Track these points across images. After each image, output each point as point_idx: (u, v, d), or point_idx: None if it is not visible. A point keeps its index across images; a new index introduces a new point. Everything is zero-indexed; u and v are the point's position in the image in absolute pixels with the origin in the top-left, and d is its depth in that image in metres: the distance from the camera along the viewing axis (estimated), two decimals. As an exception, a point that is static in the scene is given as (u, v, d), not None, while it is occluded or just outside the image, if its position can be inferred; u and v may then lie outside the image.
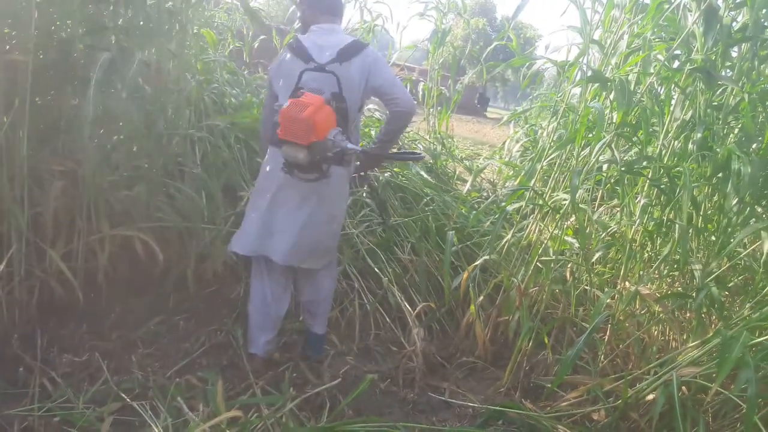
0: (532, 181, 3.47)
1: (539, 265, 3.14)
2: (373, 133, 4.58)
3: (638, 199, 3.13)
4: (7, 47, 2.48)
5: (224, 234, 3.35)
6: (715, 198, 3.01)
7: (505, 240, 3.42)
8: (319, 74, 2.59)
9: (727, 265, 2.71)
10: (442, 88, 6.28)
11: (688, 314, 2.96)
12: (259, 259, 2.80)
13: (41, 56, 2.46)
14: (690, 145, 2.94)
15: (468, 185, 4.88)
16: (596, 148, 2.91)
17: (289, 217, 2.68)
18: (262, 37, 5.48)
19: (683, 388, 2.50)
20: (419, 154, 3.40)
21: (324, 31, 2.75)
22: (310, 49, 2.65)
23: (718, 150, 2.79)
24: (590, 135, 3.15)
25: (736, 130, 3.00)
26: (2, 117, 2.44)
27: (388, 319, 3.44)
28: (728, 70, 2.93)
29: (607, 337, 3.03)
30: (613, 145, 3.01)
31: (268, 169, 2.72)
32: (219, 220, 3.43)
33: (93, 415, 2.29)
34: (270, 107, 2.79)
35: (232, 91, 4.16)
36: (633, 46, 3.22)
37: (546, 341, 3.04)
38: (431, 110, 6.39)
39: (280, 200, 2.67)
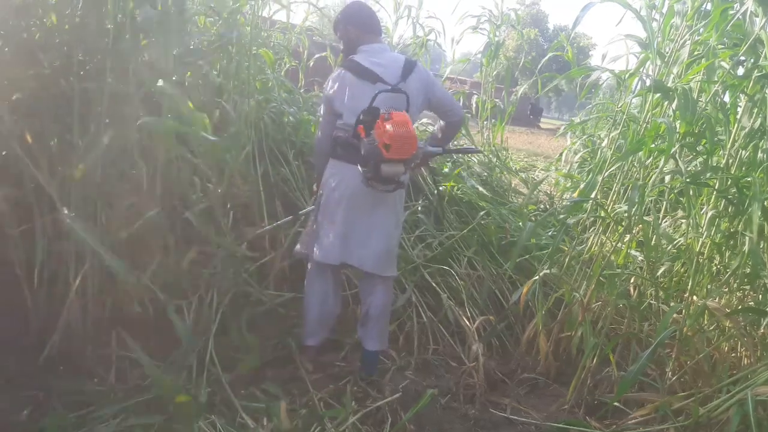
0: (593, 193, 3.41)
1: (602, 279, 3.08)
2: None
3: (704, 210, 3.04)
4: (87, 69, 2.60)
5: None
6: (788, 208, 2.90)
7: (565, 253, 3.37)
8: (392, 94, 2.74)
9: (803, 278, 2.61)
10: (496, 100, 6.25)
11: (761, 330, 2.84)
12: (324, 264, 2.96)
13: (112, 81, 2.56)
14: (759, 154, 2.85)
15: (527, 196, 4.83)
16: (663, 160, 2.85)
17: (367, 225, 2.86)
18: (317, 55, 5.57)
19: (759, 407, 2.40)
20: (476, 147, 3.60)
21: (376, 51, 2.91)
22: (375, 70, 2.79)
23: (790, 158, 2.69)
24: (653, 145, 3.09)
25: (809, 138, 2.89)
26: (78, 141, 2.55)
27: (446, 334, 3.43)
28: (798, 76, 2.83)
29: (674, 354, 2.94)
30: (677, 156, 2.95)
31: (336, 182, 2.85)
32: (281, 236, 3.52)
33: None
34: (330, 125, 2.91)
35: (289, 110, 4.23)
36: (695, 54, 3.15)
37: (611, 357, 2.97)
38: (485, 123, 6.36)
39: (355, 210, 2.84)
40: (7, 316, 2.61)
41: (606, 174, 3.41)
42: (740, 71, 3.02)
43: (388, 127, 2.53)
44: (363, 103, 2.72)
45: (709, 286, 3.06)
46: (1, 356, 2.52)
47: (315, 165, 3.16)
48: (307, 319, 3.08)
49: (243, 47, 3.57)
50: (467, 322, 3.35)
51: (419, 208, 4.07)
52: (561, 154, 6.42)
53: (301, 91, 4.96)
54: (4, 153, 2.47)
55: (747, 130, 2.88)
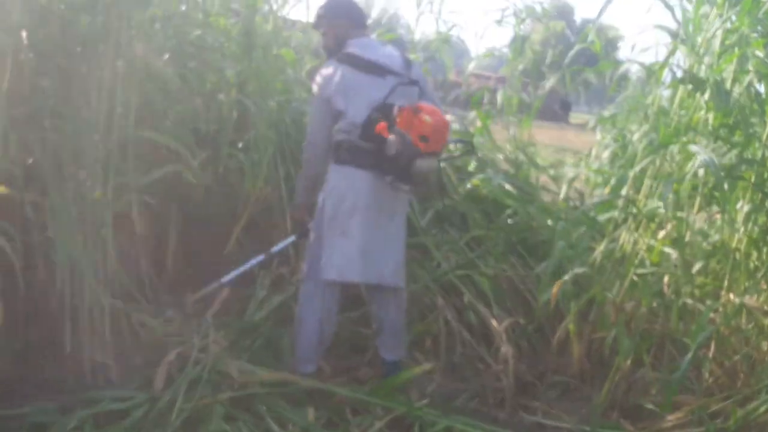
0: (624, 189, 3.32)
1: (635, 278, 2.98)
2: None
3: (740, 205, 2.94)
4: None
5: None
6: (829, 201, 2.79)
7: (596, 252, 3.27)
8: (405, 87, 2.62)
9: None
10: (524, 94, 6.14)
11: (802, 328, 2.74)
12: (320, 280, 2.74)
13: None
14: (798, 146, 2.74)
15: (561, 194, 4.72)
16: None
17: (384, 236, 2.70)
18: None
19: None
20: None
21: (370, 45, 2.76)
22: (380, 63, 2.65)
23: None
24: (685, 138, 2.99)
25: None
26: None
27: (470, 337, 3.34)
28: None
29: (711, 354, 2.84)
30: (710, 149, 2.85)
31: (344, 190, 2.65)
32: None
33: None
34: (328, 127, 2.67)
35: (310, 110, 4.19)
36: (727, 43, 3.04)
37: (645, 359, 2.88)
38: (511, 118, 6.25)
39: (371, 221, 2.65)
40: (45, 326, 2.59)
41: (637, 169, 3.31)
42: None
43: (426, 117, 2.40)
44: (372, 97, 2.57)
45: (746, 284, 2.95)
46: (36, 364, 2.52)
47: (306, 174, 2.84)
48: (304, 344, 2.80)
49: (264, 47, 3.57)
50: (495, 324, 3.27)
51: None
52: (591, 150, 6.29)
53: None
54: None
55: (784, 120, 2.78)
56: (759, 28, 2.98)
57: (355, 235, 2.64)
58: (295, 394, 2.65)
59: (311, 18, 3.08)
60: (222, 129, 3.35)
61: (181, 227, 3.24)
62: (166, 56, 3.14)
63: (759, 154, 2.85)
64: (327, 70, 2.68)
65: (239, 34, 3.67)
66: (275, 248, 3.12)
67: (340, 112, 2.62)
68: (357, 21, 2.81)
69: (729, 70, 2.93)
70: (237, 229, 3.45)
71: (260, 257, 3.12)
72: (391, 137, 2.46)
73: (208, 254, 3.38)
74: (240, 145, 3.62)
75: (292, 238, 3.10)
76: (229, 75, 3.40)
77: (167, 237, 3.17)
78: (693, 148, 2.74)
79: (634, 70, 3.86)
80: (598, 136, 6.49)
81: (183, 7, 3.34)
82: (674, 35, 3.11)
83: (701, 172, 2.98)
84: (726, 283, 2.90)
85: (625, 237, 3.22)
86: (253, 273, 3.28)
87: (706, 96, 2.86)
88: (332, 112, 2.65)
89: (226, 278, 3.07)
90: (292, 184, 3.65)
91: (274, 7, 3.96)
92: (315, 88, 2.72)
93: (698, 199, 3.28)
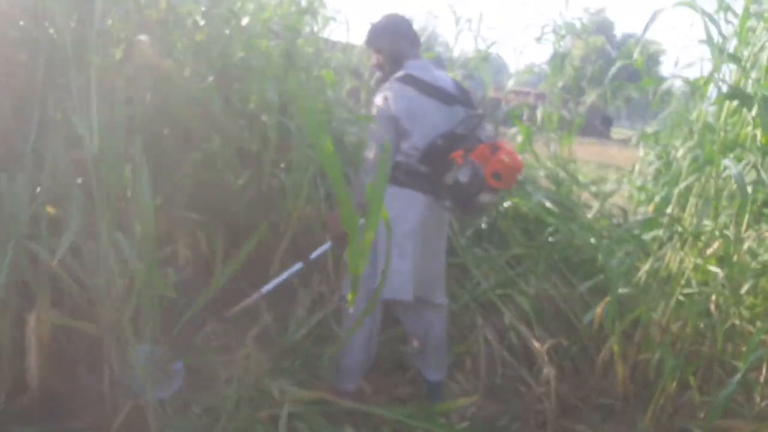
0: (669, 207, 3.25)
1: (681, 297, 2.91)
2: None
3: (791, 223, 2.85)
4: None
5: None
6: None
7: (641, 271, 3.21)
8: (473, 119, 2.61)
9: None
10: (564, 111, 6.08)
11: None
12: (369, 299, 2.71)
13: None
14: None
15: (593, 211, 4.64)
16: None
17: (433, 255, 2.73)
18: (378, 74, 5.57)
19: None
20: None
21: (426, 67, 2.70)
22: (446, 89, 2.64)
23: None
24: (731, 155, 2.92)
25: None
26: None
27: (510, 357, 3.29)
28: None
29: (762, 377, 2.74)
30: (758, 165, 2.78)
31: (402, 211, 2.56)
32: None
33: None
34: (395, 146, 2.59)
35: (351, 130, 4.22)
36: (775, 57, 2.96)
37: (691, 381, 2.80)
38: (552, 135, 6.19)
39: (424, 241, 2.63)
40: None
41: (682, 186, 3.24)
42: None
43: (504, 157, 2.41)
44: (437, 123, 2.55)
45: (799, 305, 2.85)
46: (84, 379, 2.52)
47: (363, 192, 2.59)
48: (350, 362, 2.79)
49: (305, 69, 3.62)
50: (536, 344, 3.23)
51: (483, 226, 4.00)
52: (634, 166, 6.18)
53: (362, 111, 4.97)
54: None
55: (837, 136, 2.69)
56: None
57: (411, 255, 2.59)
58: (335, 412, 2.65)
59: (351, 39, 3.11)
60: (264, 149, 3.39)
61: (227, 245, 3.28)
62: (211, 79, 3.20)
63: (812, 170, 2.77)
64: (391, 90, 2.61)
65: (281, 56, 3.73)
66: (312, 255, 3.10)
67: (406, 132, 2.56)
68: (414, 40, 2.76)
69: (777, 85, 2.86)
70: (280, 248, 3.48)
71: (298, 265, 3.10)
72: (465, 166, 2.44)
73: (253, 272, 3.41)
74: (282, 165, 3.66)
75: (328, 245, 3.08)
76: (271, 96, 3.44)
77: (215, 255, 3.20)
78: (726, 162, 2.68)
79: (678, 85, 3.78)
80: (641, 152, 6.36)
81: (227, 31, 3.39)
82: (719, 50, 3.05)
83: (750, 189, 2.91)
84: (777, 303, 2.81)
85: (670, 256, 3.15)
86: (294, 291, 3.30)
87: (754, 112, 2.79)
88: (398, 131, 2.57)
89: (265, 288, 3.07)
90: (332, 204, 3.69)
91: (315, 29, 4.00)
92: (376, 109, 2.62)
93: (746, 217, 3.20)
